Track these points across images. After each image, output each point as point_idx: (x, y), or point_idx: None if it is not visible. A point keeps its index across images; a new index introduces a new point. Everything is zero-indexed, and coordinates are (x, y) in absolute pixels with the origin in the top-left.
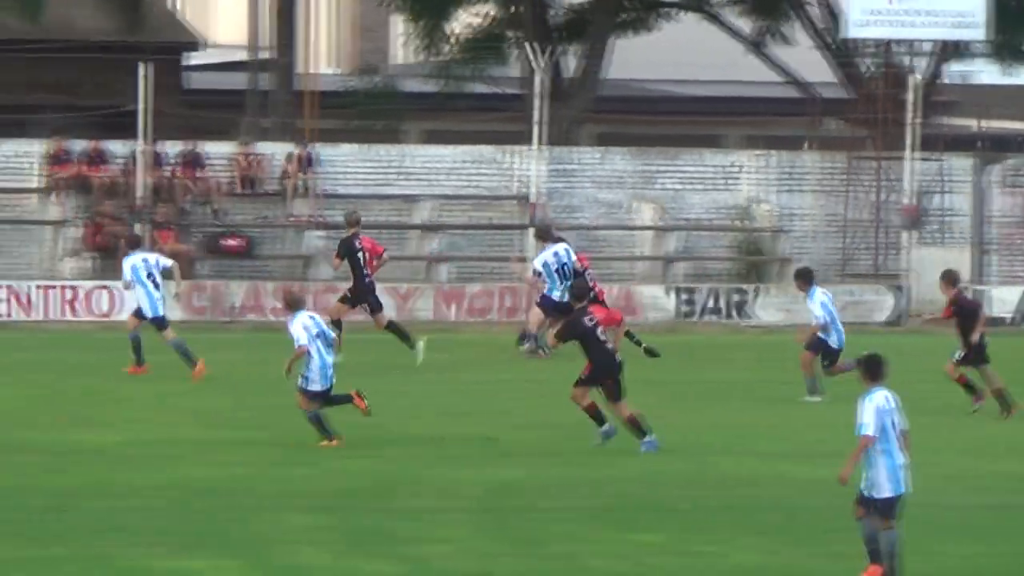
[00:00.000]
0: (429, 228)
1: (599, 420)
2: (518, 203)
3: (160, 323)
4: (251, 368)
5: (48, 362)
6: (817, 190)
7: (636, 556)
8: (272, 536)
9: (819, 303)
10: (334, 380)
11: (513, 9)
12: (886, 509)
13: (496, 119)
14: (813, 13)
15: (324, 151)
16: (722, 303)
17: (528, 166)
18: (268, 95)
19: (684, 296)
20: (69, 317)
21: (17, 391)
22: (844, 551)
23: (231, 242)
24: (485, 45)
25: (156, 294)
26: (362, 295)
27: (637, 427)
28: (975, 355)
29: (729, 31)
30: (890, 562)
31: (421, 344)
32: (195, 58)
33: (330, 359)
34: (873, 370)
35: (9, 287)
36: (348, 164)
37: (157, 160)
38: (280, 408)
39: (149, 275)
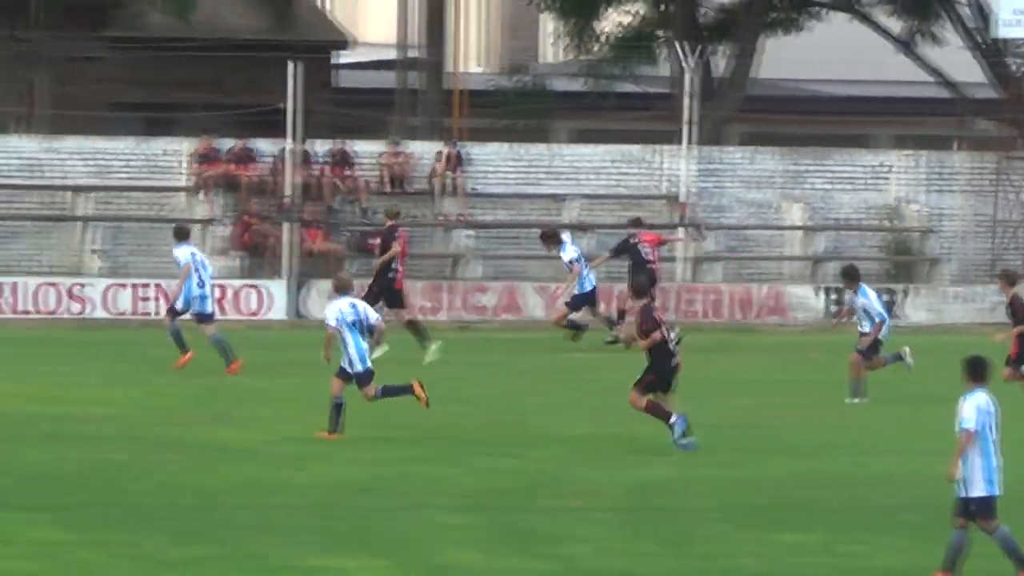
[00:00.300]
0: (577, 227)
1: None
2: (667, 203)
3: (175, 313)
4: (400, 368)
5: (196, 361)
6: (966, 190)
7: (782, 556)
8: (420, 535)
9: (875, 299)
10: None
11: (663, 8)
12: (983, 509)
13: (645, 118)
14: (963, 12)
15: (473, 150)
16: None
17: (677, 166)
18: (417, 94)
19: (833, 296)
20: (217, 316)
21: (167, 389)
22: (992, 551)
23: (379, 241)
24: (635, 44)
25: (196, 291)
26: (376, 285)
27: (656, 412)
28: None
29: (879, 31)
30: (1015, 557)
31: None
32: (344, 57)
33: (364, 344)
34: (976, 372)
35: (158, 285)
36: (496, 163)
37: (306, 159)
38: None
39: (195, 269)
